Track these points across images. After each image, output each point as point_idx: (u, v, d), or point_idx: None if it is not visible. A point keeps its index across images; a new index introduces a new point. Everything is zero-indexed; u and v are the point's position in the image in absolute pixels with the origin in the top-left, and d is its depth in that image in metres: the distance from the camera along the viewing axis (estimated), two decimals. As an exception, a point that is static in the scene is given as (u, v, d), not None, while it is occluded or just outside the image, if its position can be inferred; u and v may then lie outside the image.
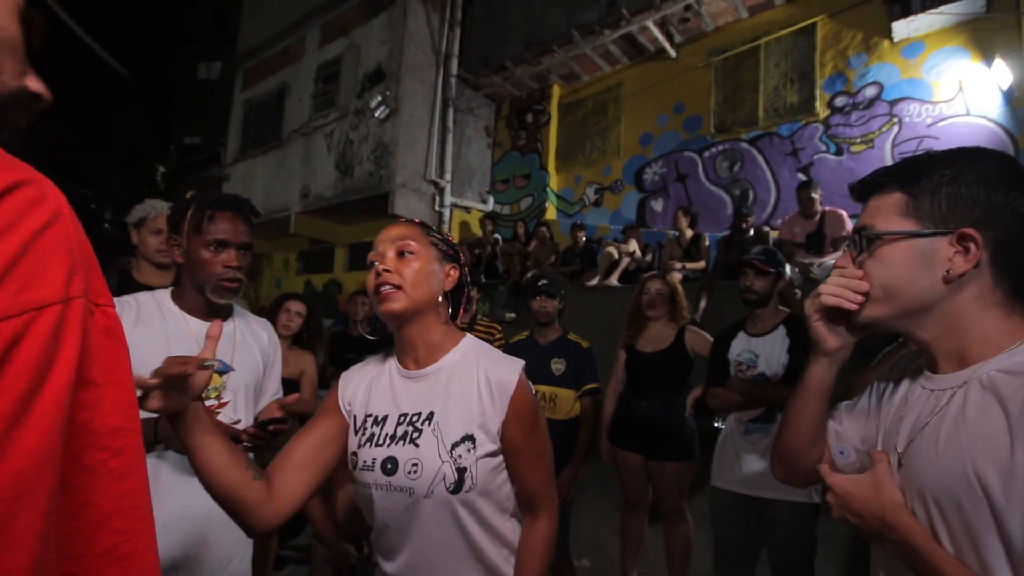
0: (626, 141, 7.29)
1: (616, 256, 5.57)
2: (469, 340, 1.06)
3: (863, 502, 0.73)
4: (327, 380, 3.70)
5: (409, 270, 0.98)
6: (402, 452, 0.96)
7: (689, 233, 5.37)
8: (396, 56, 7.45)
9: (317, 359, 3.11)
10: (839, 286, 0.76)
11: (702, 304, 4.56)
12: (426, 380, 1.01)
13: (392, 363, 1.06)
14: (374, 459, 0.98)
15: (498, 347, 2.98)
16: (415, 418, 0.98)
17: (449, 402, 0.97)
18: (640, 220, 6.92)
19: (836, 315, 0.78)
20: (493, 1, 7.87)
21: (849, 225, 4.30)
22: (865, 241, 0.76)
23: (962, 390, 0.70)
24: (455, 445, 0.94)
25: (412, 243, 1.00)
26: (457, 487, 0.93)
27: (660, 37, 6.50)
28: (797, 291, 4.11)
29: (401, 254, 0.99)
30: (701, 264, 5.18)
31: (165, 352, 1.14)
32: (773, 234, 5.01)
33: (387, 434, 0.98)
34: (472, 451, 0.94)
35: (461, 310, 1.09)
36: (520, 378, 0.99)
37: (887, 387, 0.85)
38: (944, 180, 0.71)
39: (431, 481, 0.93)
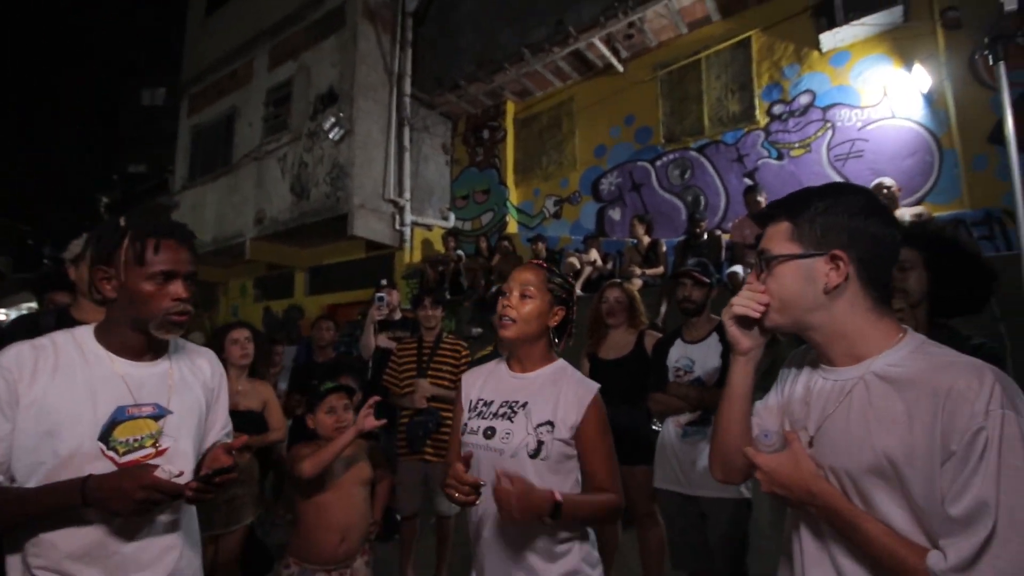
0: (581, 153, 7.46)
1: (578, 266, 5.67)
2: (561, 362, 1.42)
3: (787, 476, 0.86)
4: (291, 408, 3.59)
5: (525, 309, 1.34)
6: (500, 424, 1.33)
7: (647, 240, 5.52)
8: (348, 77, 7.42)
9: (274, 385, 2.99)
10: (746, 298, 0.92)
11: (663, 308, 4.67)
12: (525, 380, 1.38)
13: (504, 366, 1.45)
14: (479, 426, 1.35)
15: (464, 364, 2.97)
16: (513, 404, 1.34)
17: (539, 398, 1.33)
18: (599, 229, 7.07)
19: (746, 322, 0.94)
20: (444, 21, 7.97)
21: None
22: (764, 262, 0.92)
23: (862, 381, 0.85)
24: (539, 425, 1.29)
25: (532, 288, 1.35)
26: (535, 453, 1.27)
27: (607, 53, 6.72)
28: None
29: (523, 296, 1.34)
30: (660, 269, 5.32)
31: (90, 401, 1.04)
32: (725, 237, 5.21)
33: (492, 412, 1.36)
34: (550, 432, 1.28)
35: (562, 342, 1.44)
36: (595, 396, 1.33)
37: (789, 377, 1.01)
38: (819, 211, 0.88)
39: (518, 446, 1.28)
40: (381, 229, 7.46)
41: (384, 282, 4.43)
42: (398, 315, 4.13)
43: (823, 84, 5.71)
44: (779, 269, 0.90)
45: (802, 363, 0.99)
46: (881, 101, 5.37)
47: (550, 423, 1.28)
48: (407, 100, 7.78)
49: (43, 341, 1.08)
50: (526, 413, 1.31)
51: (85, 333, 1.13)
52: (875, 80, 5.41)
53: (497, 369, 1.47)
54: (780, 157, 5.91)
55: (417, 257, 7.74)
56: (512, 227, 7.86)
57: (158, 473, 0.99)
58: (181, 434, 1.14)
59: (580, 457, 1.31)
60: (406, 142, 7.74)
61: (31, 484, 1.00)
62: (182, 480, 1.04)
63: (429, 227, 8.07)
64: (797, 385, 0.97)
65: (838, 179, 5.45)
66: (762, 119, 6.05)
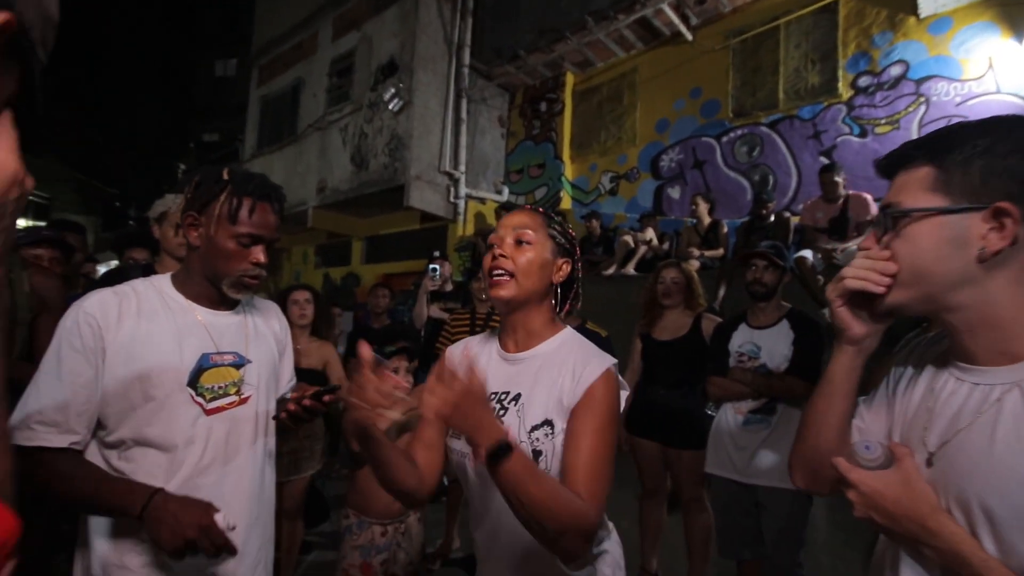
0: (642, 128, 7.19)
1: (632, 245, 5.52)
2: (568, 332, 1.07)
3: (895, 502, 0.67)
4: (348, 372, 3.76)
5: (523, 259, 1.01)
6: None
7: (707, 220, 5.29)
8: (408, 48, 7.43)
9: (336, 346, 3.13)
10: (865, 268, 0.70)
11: (721, 292, 4.50)
12: (520, 364, 1.04)
13: (495, 344, 1.11)
14: None
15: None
16: (503, 397, 1.01)
17: (536, 388, 0.99)
18: (657, 208, 6.84)
19: (861, 300, 0.73)
20: (505, -11, 7.79)
21: (874, 209, 4.19)
22: (891, 220, 0.70)
23: (1018, 388, 0.64)
24: (534, 428, 0.96)
25: (530, 233, 1.03)
26: None
27: (676, 20, 6.37)
28: (819, 277, 4.03)
29: (519, 242, 1.02)
30: (720, 251, 5.10)
31: (177, 347, 1.05)
32: (794, 219, 4.91)
33: None
34: (550, 436, 0.95)
35: (568, 304, 1.10)
36: (604, 372, 0.96)
37: (904, 374, 0.79)
38: (977, 151, 0.64)
39: None
40: (436, 201, 7.54)
41: (437, 254, 4.50)
42: (450, 287, 4.20)
43: (919, 54, 5.18)
44: (912, 229, 0.67)
45: (924, 356, 0.77)
46: (985, 74, 4.82)
47: (548, 423, 0.95)
48: (465, 71, 7.72)
49: (124, 288, 1.08)
50: (519, 411, 0.98)
51: (163, 281, 1.13)
52: (979, 50, 4.85)
53: (486, 346, 1.12)
54: (863, 134, 5.46)
55: (470, 230, 7.79)
56: (566, 203, 7.74)
57: (217, 518, 0.93)
58: (260, 383, 1.17)
59: (564, 443, 0.94)
60: (463, 114, 7.71)
61: (122, 433, 1.01)
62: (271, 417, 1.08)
63: (483, 200, 8.08)
64: (917, 384, 0.75)
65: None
66: (845, 92, 5.58)
